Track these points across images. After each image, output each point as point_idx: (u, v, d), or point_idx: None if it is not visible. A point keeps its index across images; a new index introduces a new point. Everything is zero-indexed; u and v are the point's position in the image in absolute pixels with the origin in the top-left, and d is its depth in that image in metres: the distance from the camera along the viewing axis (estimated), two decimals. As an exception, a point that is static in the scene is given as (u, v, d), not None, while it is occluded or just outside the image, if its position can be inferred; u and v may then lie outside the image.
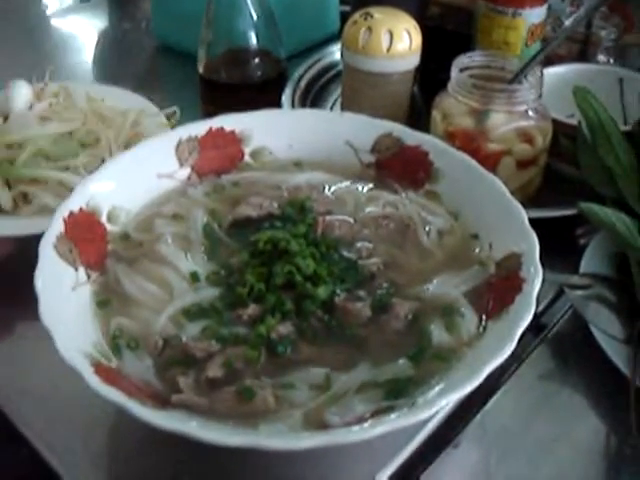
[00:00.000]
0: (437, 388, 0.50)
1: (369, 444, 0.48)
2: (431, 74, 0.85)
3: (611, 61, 0.94)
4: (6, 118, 0.80)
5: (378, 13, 0.81)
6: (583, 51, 0.92)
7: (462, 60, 0.78)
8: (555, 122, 0.79)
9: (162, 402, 0.51)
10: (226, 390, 0.52)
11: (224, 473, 0.56)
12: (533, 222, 0.70)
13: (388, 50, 0.80)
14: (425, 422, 0.59)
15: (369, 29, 0.80)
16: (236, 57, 0.89)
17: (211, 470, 0.56)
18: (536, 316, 0.67)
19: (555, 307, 0.71)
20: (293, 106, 0.89)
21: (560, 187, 0.82)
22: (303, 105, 0.91)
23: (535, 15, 0.87)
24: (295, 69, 0.96)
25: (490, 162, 0.75)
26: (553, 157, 0.81)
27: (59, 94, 0.85)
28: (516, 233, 0.60)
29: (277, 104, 0.89)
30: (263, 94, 0.89)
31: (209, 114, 0.81)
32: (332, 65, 0.97)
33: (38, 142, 0.77)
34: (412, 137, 0.69)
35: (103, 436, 0.58)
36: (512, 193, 0.75)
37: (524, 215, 0.60)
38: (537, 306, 0.67)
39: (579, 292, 0.66)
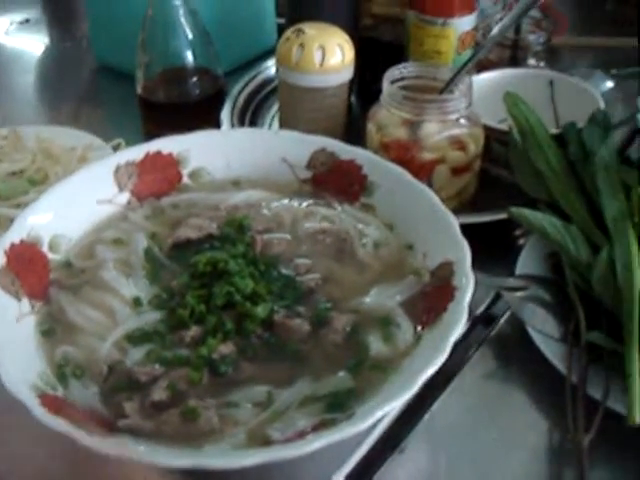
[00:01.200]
0: (375, 399, 0.52)
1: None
2: (368, 85, 0.87)
3: (542, 64, 0.96)
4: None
5: (310, 29, 0.83)
6: (514, 56, 0.95)
7: (393, 72, 0.80)
8: (487, 128, 0.81)
9: (109, 428, 0.52)
10: (171, 412, 0.53)
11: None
12: (469, 227, 0.73)
13: (321, 65, 0.82)
14: (373, 426, 0.60)
15: (301, 45, 0.82)
16: (173, 76, 0.90)
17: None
18: (478, 318, 0.70)
19: (497, 308, 0.73)
20: (232, 122, 0.90)
21: (497, 191, 0.84)
22: (242, 121, 0.92)
23: (464, 23, 0.90)
24: (234, 85, 0.97)
25: (425, 171, 0.78)
26: (488, 162, 0.83)
27: (8, 137, 0.87)
28: (448, 242, 0.62)
29: (217, 121, 0.90)
30: (203, 111, 0.91)
31: (150, 133, 0.82)
32: (270, 79, 0.98)
33: (-11, 183, 0.78)
34: (346, 151, 0.71)
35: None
36: (449, 199, 0.78)
37: (455, 224, 0.62)
38: (478, 308, 0.70)
39: (515, 294, 0.68)
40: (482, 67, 0.95)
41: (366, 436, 0.61)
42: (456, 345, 0.65)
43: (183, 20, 0.88)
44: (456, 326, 0.54)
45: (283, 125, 0.87)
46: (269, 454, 0.48)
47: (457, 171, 0.79)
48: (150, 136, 0.75)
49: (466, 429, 0.63)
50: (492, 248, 0.75)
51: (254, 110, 0.96)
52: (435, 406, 0.64)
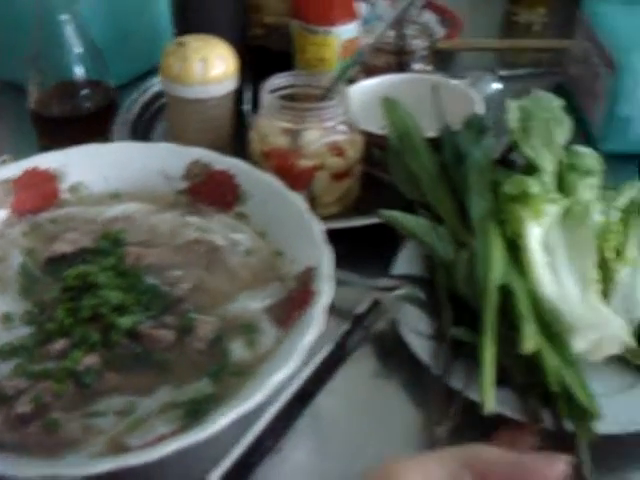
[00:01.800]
0: (231, 403, 0.54)
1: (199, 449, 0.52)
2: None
3: (427, 69, 0.99)
4: None
5: (192, 41, 0.85)
6: (400, 62, 0.97)
7: (272, 82, 0.82)
8: (366, 134, 0.84)
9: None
10: (34, 424, 0.55)
11: None
12: (350, 231, 0.75)
13: (203, 77, 0.84)
14: (249, 426, 0.63)
15: (183, 58, 0.83)
16: (65, 90, 0.91)
17: None
18: (359, 318, 0.73)
19: (379, 308, 0.76)
20: (124, 134, 0.92)
21: (382, 195, 0.86)
22: (135, 133, 0.94)
23: (346, 31, 0.92)
24: (127, 98, 0.98)
25: (305, 178, 0.80)
26: (369, 167, 0.86)
27: None
28: (312, 248, 0.64)
29: (109, 133, 0.92)
30: (95, 124, 0.92)
31: (45, 148, 0.83)
32: (162, 92, 1.00)
33: None
34: (219, 162, 0.73)
35: None
36: (331, 205, 0.81)
37: (319, 230, 0.65)
38: (357, 309, 0.72)
39: (389, 293, 0.71)
40: (370, 73, 0.97)
41: (242, 436, 0.63)
42: (337, 345, 0.69)
43: (71, 34, 0.89)
44: (311, 330, 0.57)
45: (171, 137, 0.89)
46: (119, 461, 0.50)
47: (337, 177, 0.81)
48: (45, 150, 0.76)
49: (342, 426, 0.65)
50: (375, 250, 0.77)
51: (146, 122, 0.97)
52: (313, 405, 0.66)
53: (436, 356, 0.65)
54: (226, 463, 0.60)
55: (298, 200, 0.68)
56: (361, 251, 0.77)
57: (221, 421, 0.51)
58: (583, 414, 0.58)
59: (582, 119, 1.03)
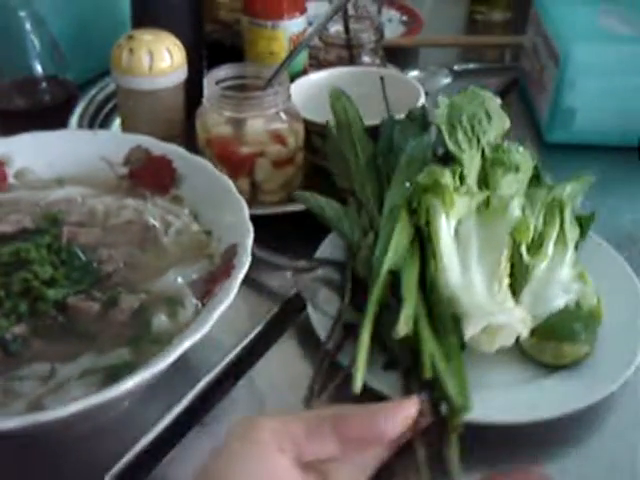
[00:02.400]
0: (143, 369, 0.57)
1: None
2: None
3: (377, 62, 1.02)
4: None
5: (141, 35, 0.89)
6: (351, 55, 1.00)
7: (216, 73, 0.85)
8: (307, 122, 0.87)
9: None
10: (-42, 389, 0.58)
11: None
12: (290, 216, 0.78)
13: (150, 69, 0.87)
14: (177, 401, 0.66)
15: (130, 50, 0.87)
16: (24, 85, 0.95)
17: None
18: (290, 300, 0.76)
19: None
20: (82, 127, 0.95)
21: (326, 183, 0.89)
22: (92, 126, 0.97)
23: (294, 25, 0.96)
24: (87, 93, 1.02)
25: (246, 164, 0.84)
26: (312, 155, 0.89)
27: None
28: (237, 226, 0.67)
29: (68, 127, 0.95)
30: (54, 118, 0.96)
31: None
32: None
33: None
34: (158, 147, 0.77)
35: None
36: (274, 192, 0.84)
37: (245, 210, 0.68)
38: (289, 292, 0.75)
39: (305, 275, 0.74)
40: (323, 67, 1.01)
41: (167, 412, 0.66)
42: (266, 327, 0.72)
43: (30, 30, 0.93)
44: (225, 300, 0.60)
45: (124, 128, 0.92)
46: (30, 418, 0.53)
47: (279, 164, 0.85)
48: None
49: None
50: (309, 235, 0.80)
51: (104, 117, 1.01)
52: (241, 381, 0.70)
53: (330, 334, 0.68)
54: (150, 436, 0.64)
55: (226, 181, 0.71)
56: (295, 236, 0.81)
57: (127, 384, 0.54)
58: (453, 404, 0.58)
59: (533, 112, 1.06)
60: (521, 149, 0.75)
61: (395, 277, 0.66)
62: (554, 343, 0.66)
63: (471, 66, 1.20)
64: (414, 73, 1.12)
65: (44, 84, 0.95)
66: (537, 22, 1.08)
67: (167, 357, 0.56)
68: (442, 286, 0.66)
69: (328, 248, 0.78)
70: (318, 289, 0.73)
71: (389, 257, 0.66)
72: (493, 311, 0.64)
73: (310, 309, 0.70)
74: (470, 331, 0.64)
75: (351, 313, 0.68)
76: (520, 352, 0.68)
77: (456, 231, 0.70)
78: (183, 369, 0.69)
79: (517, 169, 0.73)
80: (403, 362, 0.63)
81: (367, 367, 0.62)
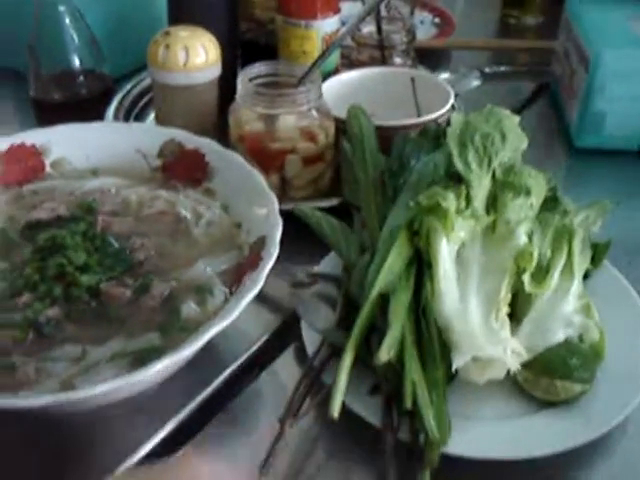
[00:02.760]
0: (167, 355, 0.59)
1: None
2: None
3: (408, 63, 1.03)
4: None
5: (177, 31, 0.91)
6: (382, 56, 1.02)
7: (249, 71, 0.87)
8: (338, 120, 0.88)
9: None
10: (-7, 366, 0.60)
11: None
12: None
13: (185, 64, 0.89)
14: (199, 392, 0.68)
15: (167, 46, 0.89)
16: (62, 78, 0.97)
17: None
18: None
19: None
20: (117, 120, 0.97)
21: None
22: (127, 120, 1.00)
23: (327, 25, 0.98)
24: (124, 87, 1.04)
25: (277, 160, 0.85)
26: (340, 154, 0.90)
27: None
28: (267, 220, 0.69)
29: (104, 119, 0.98)
30: (91, 110, 0.98)
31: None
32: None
33: None
34: (191, 141, 0.79)
35: None
36: (303, 188, 0.85)
37: (275, 203, 0.70)
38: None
39: (304, 290, 0.75)
40: (354, 67, 1.02)
41: (193, 397, 0.68)
42: (291, 319, 0.73)
43: (69, 25, 0.95)
44: (252, 290, 0.61)
45: (159, 122, 0.94)
46: (61, 395, 0.55)
47: (309, 161, 0.86)
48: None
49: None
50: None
51: (139, 111, 1.03)
52: (265, 373, 0.72)
53: (317, 352, 0.68)
54: (172, 424, 0.66)
55: (257, 175, 0.73)
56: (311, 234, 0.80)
57: (156, 367, 0.56)
58: (430, 437, 0.58)
59: (563, 116, 1.07)
60: (534, 172, 0.71)
61: (386, 300, 0.65)
62: (547, 379, 0.64)
63: (502, 69, 1.20)
64: (445, 75, 1.13)
65: (81, 77, 0.98)
66: (568, 27, 1.09)
67: (195, 342, 0.58)
68: (436, 312, 0.64)
69: (332, 262, 0.78)
70: (314, 305, 0.73)
71: (380, 279, 0.65)
72: (483, 342, 0.62)
73: (303, 324, 0.71)
74: (459, 361, 0.62)
75: (336, 334, 0.68)
76: (513, 385, 0.66)
77: (458, 254, 0.68)
78: (209, 357, 0.71)
79: (528, 193, 0.69)
80: (385, 388, 0.63)
81: (352, 390, 0.62)
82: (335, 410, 0.59)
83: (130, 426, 0.66)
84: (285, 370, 0.72)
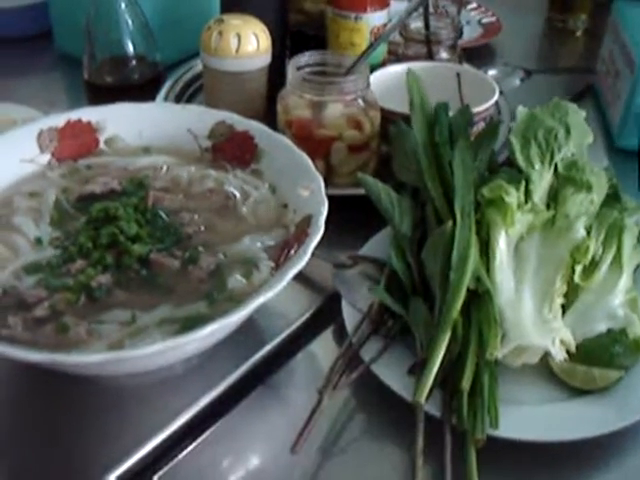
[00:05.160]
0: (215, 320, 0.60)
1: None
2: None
3: (454, 58, 1.05)
4: None
5: (230, 19, 0.93)
6: (429, 51, 1.03)
7: (299, 59, 0.89)
8: (384, 111, 0.90)
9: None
10: (47, 327, 0.63)
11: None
12: (360, 199, 0.81)
13: (237, 51, 0.92)
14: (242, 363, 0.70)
15: (220, 33, 0.92)
16: (115, 63, 1.00)
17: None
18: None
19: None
20: (167, 104, 1.00)
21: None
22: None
23: (376, 18, 1.00)
24: (174, 73, 1.07)
25: (323, 147, 0.87)
26: (386, 143, 0.92)
27: None
28: (313, 200, 0.71)
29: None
30: (141, 95, 0.99)
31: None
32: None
33: None
34: (241, 123, 0.81)
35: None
36: (348, 175, 0.87)
37: (321, 183, 0.71)
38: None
39: (345, 270, 0.77)
40: (400, 61, 1.04)
41: (233, 370, 0.70)
42: (329, 300, 0.75)
43: (124, 11, 0.98)
44: (298, 264, 0.63)
45: (208, 107, 0.96)
46: (112, 354, 0.57)
47: (354, 149, 0.88)
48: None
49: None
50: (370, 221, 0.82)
51: (189, 96, 1.06)
52: (301, 353, 0.74)
53: (357, 329, 0.70)
54: (211, 395, 0.68)
55: (304, 158, 0.74)
56: (363, 220, 0.83)
57: (203, 331, 0.58)
58: (482, 418, 0.61)
59: (606, 117, 1.07)
60: (596, 169, 0.73)
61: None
62: (585, 367, 0.65)
63: (547, 69, 1.21)
64: (490, 72, 1.14)
65: (134, 63, 1.00)
66: (615, 29, 1.09)
67: (242, 311, 0.60)
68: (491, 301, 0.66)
69: (378, 243, 0.80)
70: (355, 284, 0.75)
71: (467, 274, 0.67)
72: (532, 332, 0.64)
73: (344, 304, 0.73)
74: (504, 349, 0.65)
75: (386, 297, 0.70)
76: (547, 370, 0.67)
77: (516, 246, 0.70)
78: (252, 333, 0.73)
79: (589, 189, 0.71)
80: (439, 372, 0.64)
81: (390, 368, 0.66)
82: (422, 396, 0.62)
83: (172, 395, 0.68)
84: (324, 348, 0.74)
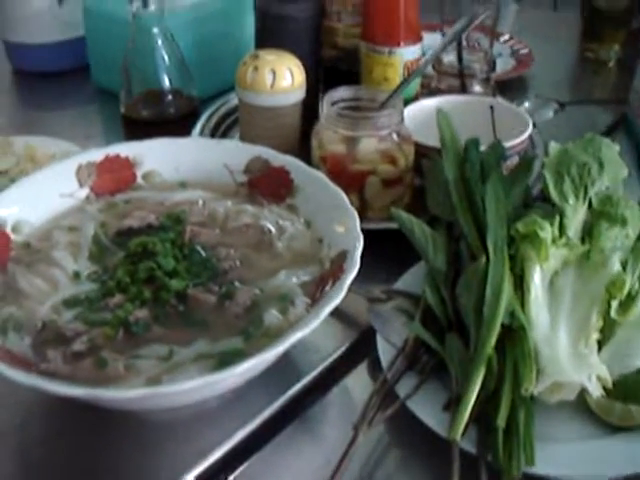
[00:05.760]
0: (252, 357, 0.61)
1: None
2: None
3: (487, 92, 1.05)
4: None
5: (265, 54, 0.95)
6: (462, 84, 1.04)
7: (333, 94, 0.90)
8: (418, 145, 0.91)
9: (34, 370, 0.62)
10: (86, 361, 0.63)
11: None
12: (392, 233, 0.81)
13: (272, 86, 0.93)
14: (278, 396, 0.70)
15: (255, 68, 0.93)
16: (152, 97, 1.02)
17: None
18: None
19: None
20: (203, 138, 1.01)
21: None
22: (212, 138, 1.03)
23: (409, 52, 1.01)
24: (209, 108, 1.08)
25: (357, 181, 0.87)
26: (419, 178, 0.92)
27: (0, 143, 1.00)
28: (348, 235, 0.71)
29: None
30: (177, 129, 1.02)
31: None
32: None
33: (-25, 178, 0.91)
34: (277, 159, 0.81)
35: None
36: (382, 209, 0.87)
37: (356, 220, 0.72)
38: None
39: (380, 305, 0.77)
40: (433, 95, 1.05)
41: (268, 404, 0.70)
42: (350, 349, 0.76)
43: (161, 47, 1.00)
44: (334, 299, 0.63)
45: (243, 141, 0.98)
46: (150, 390, 0.58)
47: (388, 183, 0.89)
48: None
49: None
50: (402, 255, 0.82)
51: (224, 130, 1.07)
52: (336, 388, 0.74)
53: (392, 364, 0.70)
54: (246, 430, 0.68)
55: (339, 193, 0.75)
56: (396, 255, 0.83)
57: (240, 367, 0.58)
58: (518, 455, 0.60)
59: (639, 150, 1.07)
60: (631, 202, 0.73)
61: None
62: (622, 404, 0.64)
63: (579, 100, 1.22)
64: (523, 104, 1.14)
65: (170, 97, 1.02)
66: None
67: (278, 347, 0.60)
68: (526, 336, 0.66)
69: (412, 277, 0.80)
70: (390, 319, 0.75)
71: (501, 308, 0.66)
72: (569, 368, 0.64)
73: (379, 339, 0.73)
74: (542, 385, 0.64)
75: (422, 329, 0.70)
76: (584, 406, 0.66)
77: (551, 281, 0.70)
78: (286, 368, 0.73)
79: (624, 223, 0.71)
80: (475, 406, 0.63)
81: (425, 404, 0.66)
82: (458, 432, 0.62)
83: (206, 429, 0.69)
84: (358, 383, 0.74)
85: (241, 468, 0.66)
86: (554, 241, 0.71)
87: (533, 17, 1.57)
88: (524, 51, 1.33)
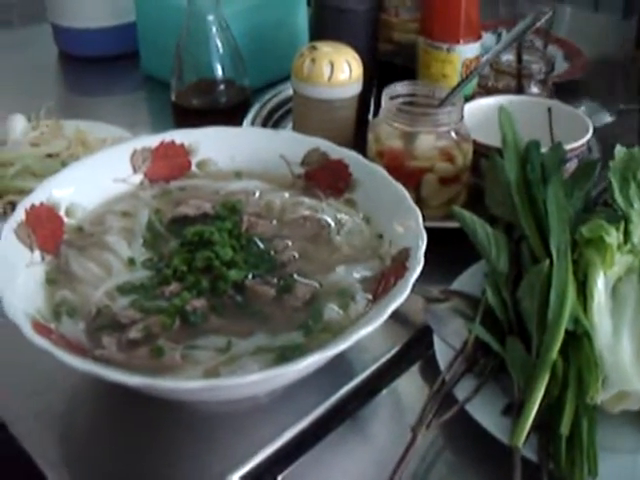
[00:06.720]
0: (314, 352, 0.59)
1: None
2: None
3: (545, 93, 1.03)
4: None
5: (322, 46, 0.93)
6: (519, 84, 1.02)
7: (391, 89, 0.88)
8: (476, 143, 0.89)
9: (89, 355, 0.61)
10: (142, 349, 0.62)
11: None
12: (450, 232, 0.79)
13: (329, 79, 0.91)
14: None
15: (313, 60, 0.91)
16: (204, 86, 1.01)
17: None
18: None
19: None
20: (254, 129, 1.00)
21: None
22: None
23: (469, 50, 0.98)
24: (261, 98, 1.07)
25: (414, 178, 0.85)
26: (477, 177, 0.90)
27: (50, 126, 0.99)
28: (410, 232, 0.69)
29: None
30: (228, 119, 0.99)
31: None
32: (292, 96, 1.08)
33: (26, 160, 0.90)
34: (336, 152, 0.80)
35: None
36: (438, 207, 0.85)
37: (419, 217, 0.70)
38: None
39: (437, 305, 0.75)
40: (489, 94, 1.02)
41: (320, 402, 0.68)
42: (419, 334, 0.73)
43: (215, 35, 0.98)
44: (398, 298, 0.62)
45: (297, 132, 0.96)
46: (209, 382, 0.56)
47: (445, 181, 0.86)
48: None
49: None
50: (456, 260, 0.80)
51: (275, 121, 1.05)
52: (386, 390, 0.71)
53: (450, 366, 0.68)
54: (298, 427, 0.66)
55: (401, 189, 0.73)
56: (452, 254, 0.80)
57: (303, 362, 0.56)
58: (581, 465, 0.58)
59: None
60: None
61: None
62: None
63: (636, 106, 1.19)
64: (580, 108, 1.12)
65: (222, 87, 1.00)
66: None
67: (342, 343, 0.58)
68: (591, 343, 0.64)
69: (469, 278, 0.78)
70: (447, 320, 0.73)
71: (565, 314, 0.65)
72: (634, 377, 0.62)
73: (436, 339, 0.71)
74: (605, 394, 0.62)
75: (485, 334, 0.68)
76: None
77: (614, 288, 0.68)
78: (340, 366, 0.71)
79: None
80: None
81: (484, 408, 0.64)
82: (520, 439, 0.60)
83: (260, 424, 0.67)
84: (412, 384, 0.72)
85: (292, 466, 0.64)
86: (619, 247, 0.69)
87: (575, 18, 1.55)
88: (578, 54, 1.31)
